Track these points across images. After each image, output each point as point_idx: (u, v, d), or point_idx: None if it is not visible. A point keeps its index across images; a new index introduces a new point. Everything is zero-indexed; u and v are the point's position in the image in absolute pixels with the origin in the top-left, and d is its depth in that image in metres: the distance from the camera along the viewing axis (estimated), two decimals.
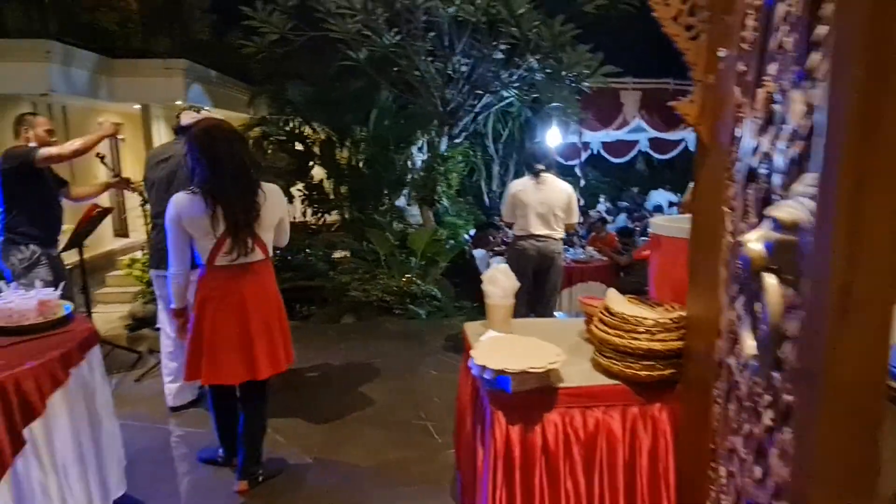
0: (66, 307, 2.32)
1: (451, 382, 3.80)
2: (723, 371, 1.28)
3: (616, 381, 1.67)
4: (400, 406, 3.41)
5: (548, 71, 7.18)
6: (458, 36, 7.41)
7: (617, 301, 1.75)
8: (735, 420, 1.14)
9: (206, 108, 9.35)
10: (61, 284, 2.40)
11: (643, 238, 7.88)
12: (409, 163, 8.80)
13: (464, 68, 7.77)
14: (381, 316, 6.33)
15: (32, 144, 3.30)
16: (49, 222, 3.40)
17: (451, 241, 8.07)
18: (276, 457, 2.80)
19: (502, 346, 1.72)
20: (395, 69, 7.69)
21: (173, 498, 2.54)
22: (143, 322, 6.73)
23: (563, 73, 6.86)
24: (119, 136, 3.50)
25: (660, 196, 12.48)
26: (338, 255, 7.91)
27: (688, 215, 2.15)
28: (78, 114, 7.88)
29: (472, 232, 9.32)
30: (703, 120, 1.40)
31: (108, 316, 6.50)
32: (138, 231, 8.94)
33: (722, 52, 1.29)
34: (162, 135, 9.08)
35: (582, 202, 10.40)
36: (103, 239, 7.95)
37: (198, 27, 8.86)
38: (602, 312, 1.72)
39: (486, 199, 11.86)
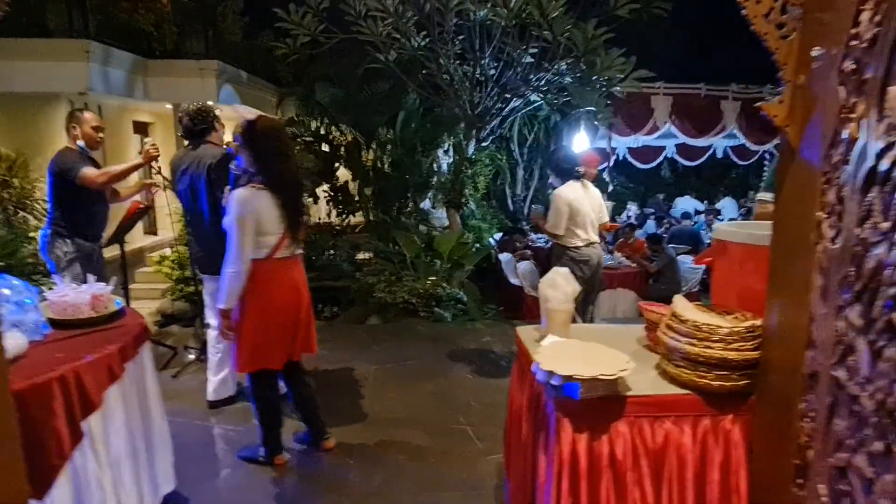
0: (117, 302, 2.34)
1: (487, 387, 3.78)
2: (819, 384, 1.22)
3: (686, 391, 1.62)
4: (438, 410, 3.38)
5: (578, 75, 7.13)
6: (487, 39, 7.40)
7: (686, 308, 1.70)
8: (852, 436, 1.08)
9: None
10: (112, 279, 2.41)
11: (671, 245, 7.76)
12: (434, 165, 8.80)
13: (492, 71, 7.76)
14: (406, 318, 6.32)
15: (80, 143, 3.40)
16: (93, 220, 3.48)
17: (477, 245, 8.04)
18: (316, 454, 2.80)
19: (567, 352, 1.68)
20: (424, 72, 7.71)
21: (218, 495, 2.54)
22: (171, 318, 6.80)
23: (595, 77, 6.80)
24: (157, 163, 3.51)
25: (686, 203, 12.31)
26: (361, 256, 7.92)
27: (758, 222, 2.10)
28: (113, 112, 8.01)
29: (498, 236, 9.29)
30: (791, 121, 1.35)
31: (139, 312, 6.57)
32: (166, 229, 9.05)
33: (816, 51, 1.24)
34: None
35: (610, 208, 10.31)
36: (133, 236, 8.04)
37: (230, 29, 8.96)
38: (671, 319, 1.67)
39: (511, 204, 11.81)
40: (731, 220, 10.12)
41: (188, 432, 3.04)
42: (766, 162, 11.82)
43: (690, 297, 1.80)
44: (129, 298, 4.38)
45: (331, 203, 8.24)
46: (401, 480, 2.64)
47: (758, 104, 1.41)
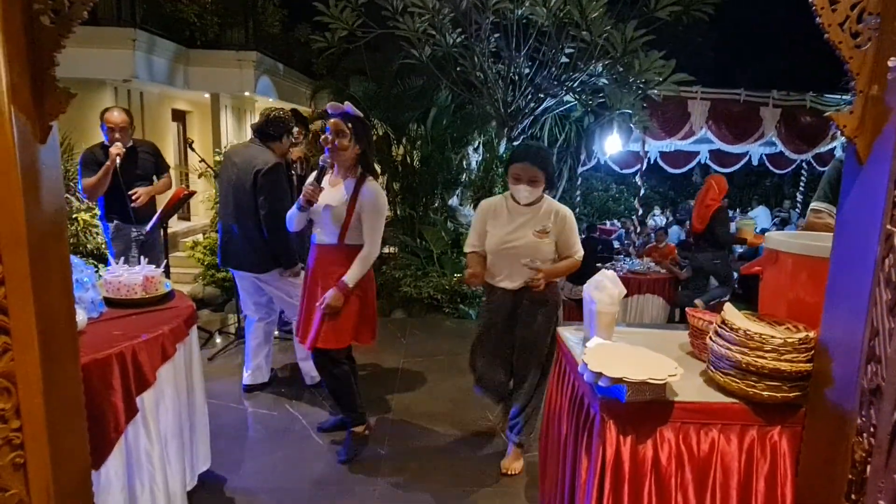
0: (166, 284, 2.40)
1: None
2: (882, 399, 1.21)
3: (734, 400, 1.61)
4: (467, 406, 3.40)
5: (615, 76, 7.07)
6: (523, 38, 7.38)
7: (735, 316, 1.69)
8: None
9: (271, 99, 9.60)
10: (163, 262, 2.48)
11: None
12: (464, 163, 8.80)
13: (526, 71, 7.73)
14: (431, 314, 6.36)
15: (105, 142, 3.71)
16: (124, 203, 3.72)
17: None
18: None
19: (615, 354, 1.68)
20: (457, 69, 7.72)
21: (252, 476, 2.60)
22: (202, 303, 6.94)
23: (632, 79, 6.74)
24: (115, 154, 3.65)
25: None
26: (387, 250, 7.98)
27: (810, 232, 2.07)
28: (153, 100, 8.20)
29: None
30: (861, 132, 1.33)
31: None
32: (199, 215, 9.25)
33: (893, 62, 1.22)
34: (228, 123, 9.34)
35: (640, 211, 10.21)
36: (169, 221, 8.25)
37: (269, 21, 9.09)
38: (721, 327, 1.66)
39: None
40: (763, 229, 9.93)
41: (223, 413, 3.12)
42: (803, 171, 11.56)
43: (720, 306, 1.78)
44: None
45: None
46: (434, 472, 2.67)
47: (827, 114, 1.39)
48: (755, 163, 11.62)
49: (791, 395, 1.56)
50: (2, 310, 1.18)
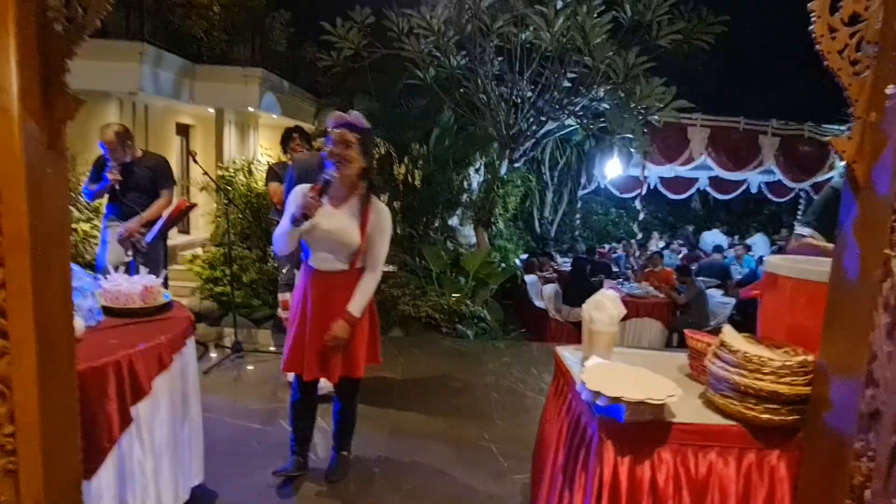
0: (165, 295, 2.40)
1: (512, 406, 3.77)
2: (881, 423, 1.21)
3: (732, 422, 1.60)
4: (463, 425, 3.37)
5: (616, 102, 7.17)
6: (526, 62, 7.49)
7: (734, 338, 1.69)
8: None
9: (275, 115, 9.69)
10: (163, 272, 2.48)
11: (699, 278, 7.67)
12: (465, 183, 8.86)
13: (529, 94, 7.84)
14: (428, 333, 6.34)
15: (106, 155, 3.87)
16: (116, 207, 3.97)
17: (503, 265, 8.04)
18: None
19: (613, 374, 1.67)
20: (461, 90, 7.82)
21: (244, 492, 2.56)
22: (199, 317, 6.92)
23: (633, 104, 6.83)
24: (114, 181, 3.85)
25: (713, 237, 12.19)
26: (386, 268, 7.95)
27: (809, 257, 2.08)
28: (158, 113, 8.27)
29: (523, 257, 9.29)
30: (860, 158, 1.35)
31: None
32: (199, 229, 9.26)
33: (891, 90, 1.25)
34: (232, 139, 9.41)
35: (640, 236, 10.26)
36: (169, 233, 8.25)
37: (276, 39, 9.22)
38: (720, 349, 1.66)
39: (538, 226, 11.82)
40: (761, 257, 9.96)
41: (217, 427, 3.08)
42: (801, 200, 11.65)
43: (718, 332, 1.78)
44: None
45: None
46: (427, 491, 2.64)
47: (827, 139, 1.41)
48: (754, 190, 11.73)
49: (789, 418, 1.55)
50: (1, 313, 1.17)
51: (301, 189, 2.39)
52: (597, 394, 1.56)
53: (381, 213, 2.44)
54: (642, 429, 1.57)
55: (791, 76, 12.02)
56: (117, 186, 3.79)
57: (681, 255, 10.45)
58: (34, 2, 1.20)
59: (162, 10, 7.70)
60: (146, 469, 1.88)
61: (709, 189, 11.96)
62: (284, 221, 2.36)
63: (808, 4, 1.32)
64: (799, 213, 11.83)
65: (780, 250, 10.89)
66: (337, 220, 2.38)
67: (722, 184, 11.18)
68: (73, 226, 6.55)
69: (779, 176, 9.36)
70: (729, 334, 1.71)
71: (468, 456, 3.01)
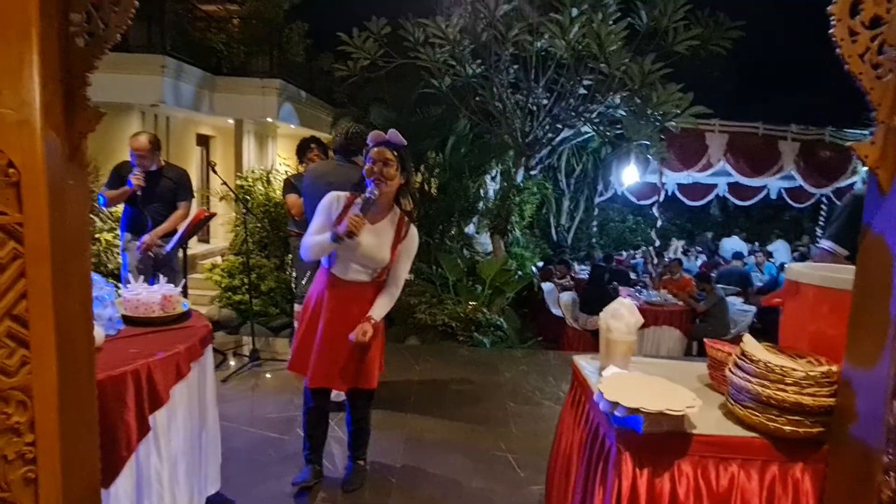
0: (184, 304, 2.43)
1: (527, 415, 3.74)
2: None
3: (754, 434, 1.56)
4: (479, 435, 3.35)
5: (632, 108, 7.12)
6: (542, 70, 7.49)
7: (755, 347, 1.66)
8: None
9: (292, 125, 9.80)
10: (182, 281, 2.51)
11: (719, 285, 7.54)
12: (481, 191, 8.87)
13: (545, 101, 7.83)
14: (445, 341, 6.32)
15: (133, 162, 3.93)
16: (132, 218, 4.02)
17: (519, 273, 8.01)
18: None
19: (631, 384, 1.65)
20: (476, 98, 7.84)
21: (262, 501, 2.57)
22: (217, 325, 7.00)
23: (650, 111, 6.78)
24: (136, 186, 3.89)
25: (732, 243, 12.00)
26: None
27: (830, 264, 2.04)
28: (179, 124, 8.42)
29: (540, 264, 9.24)
30: (882, 164, 1.32)
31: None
32: (218, 238, 9.38)
33: None
34: (251, 149, 9.54)
35: (657, 243, 10.15)
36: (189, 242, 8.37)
37: (294, 50, 9.35)
38: (741, 358, 1.62)
39: (554, 234, 11.76)
40: (782, 264, 9.79)
41: (234, 436, 3.10)
42: (822, 205, 11.43)
43: (738, 340, 1.75)
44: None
45: None
46: (445, 501, 2.62)
47: (849, 144, 1.38)
48: (774, 196, 11.54)
49: (814, 430, 1.51)
50: (22, 322, 1.19)
51: (335, 197, 2.43)
52: (615, 404, 1.54)
53: (413, 236, 2.50)
54: (661, 440, 1.54)
55: (811, 80, 11.86)
56: (139, 193, 3.83)
57: (700, 263, 10.31)
58: (57, 18, 1.23)
59: (183, 23, 7.86)
60: (163, 477, 1.89)
61: (728, 195, 11.80)
62: (318, 230, 2.39)
63: (828, 8, 1.29)
64: (821, 218, 11.61)
65: (802, 257, 10.71)
66: (373, 236, 2.40)
67: (741, 190, 11.02)
68: (97, 235, 6.68)
69: (799, 181, 9.20)
70: (749, 343, 1.68)
71: (484, 466, 2.98)
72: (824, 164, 8.66)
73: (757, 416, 1.55)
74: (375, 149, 2.36)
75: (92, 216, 6.86)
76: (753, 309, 6.91)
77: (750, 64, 12.11)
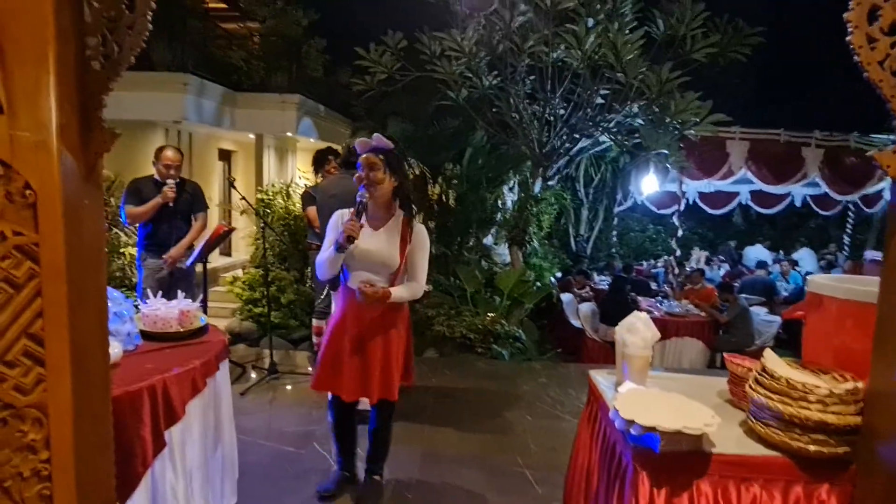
0: (201, 318, 2.45)
1: (545, 429, 3.68)
2: None
3: (777, 453, 1.51)
4: (496, 450, 3.31)
5: (650, 117, 7.06)
6: (558, 80, 7.47)
7: (776, 363, 1.61)
8: None
9: (312, 139, 9.93)
10: (199, 297, 2.54)
11: (742, 295, 7.39)
12: (499, 202, 8.85)
13: (562, 112, 7.80)
14: (463, 353, 6.29)
15: (157, 177, 3.96)
16: (156, 236, 3.98)
17: (538, 284, 7.96)
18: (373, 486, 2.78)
19: (648, 401, 1.61)
20: (493, 110, 7.86)
21: None
22: (239, 337, 7.06)
23: (668, 119, 6.71)
24: (170, 198, 3.91)
25: (756, 252, 11.77)
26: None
27: (853, 276, 1.97)
28: (201, 140, 8.59)
29: (558, 275, 9.17)
30: None
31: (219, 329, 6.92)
32: (240, 251, 9.50)
33: None
34: (271, 163, 9.68)
35: (678, 252, 9.99)
36: (211, 256, 8.49)
37: (312, 65, 9.50)
38: (761, 375, 1.58)
39: (573, 244, 11.68)
40: (808, 273, 9.55)
41: (251, 450, 3.11)
42: (849, 213, 11.17)
43: (762, 352, 1.70)
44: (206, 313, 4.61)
45: None
46: None
47: (870, 153, 1.34)
48: (798, 204, 11.30)
49: (839, 450, 1.45)
50: (38, 341, 1.21)
51: (340, 214, 2.49)
52: (630, 422, 1.50)
53: (420, 233, 2.53)
54: (679, 459, 1.50)
55: (834, 84, 11.63)
56: (171, 204, 3.88)
57: (722, 272, 10.12)
58: (73, 42, 1.26)
59: (205, 42, 8.04)
60: (178, 493, 1.90)
61: (750, 203, 11.59)
62: (327, 247, 2.45)
63: (845, 15, 1.26)
64: (848, 226, 11.32)
65: (829, 265, 10.45)
66: (377, 240, 2.46)
67: (764, 197, 10.82)
68: (121, 250, 6.82)
69: (824, 189, 9.00)
70: (770, 359, 1.63)
71: (501, 481, 2.94)
72: (850, 170, 8.45)
73: (779, 434, 1.50)
74: (363, 156, 2.44)
75: (117, 231, 7.02)
76: (778, 320, 6.75)
77: (771, 70, 11.94)
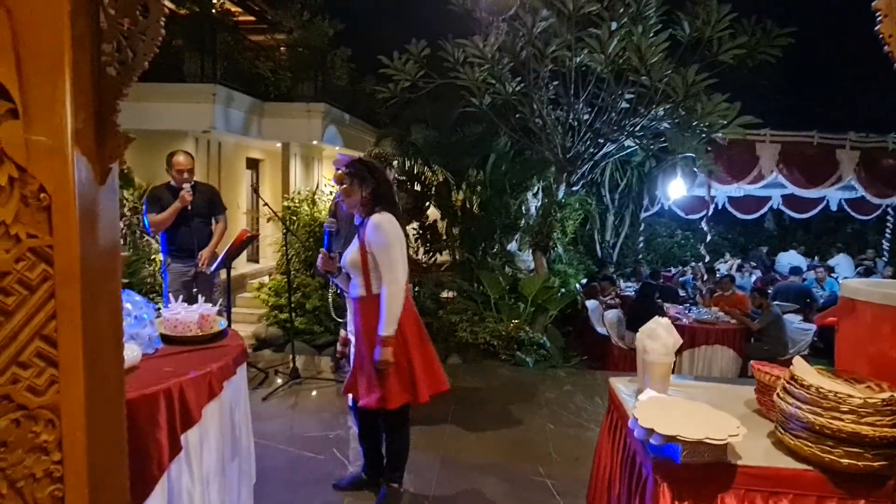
0: (221, 323, 2.47)
1: (568, 438, 3.61)
2: None
3: (807, 466, 1.43)
4: (517, 458, 3.25)
5: (677, 120, 6.93)
6: (582, 85, 7.40)
7: (806, 371, 1.53)
8: None
9: (337, 147, 10.04)
10: (219, 301, 2.56)
11: (776, 302, 7.16)
12: (523, 208, 8.79)
13: (585, 116, 7.72)
14: (487, 360, 6.23)
15: (172, 183, 4.05)
16: (176, 240, 4.05)
17: (562, 290, 7.86)
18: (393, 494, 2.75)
19: (669, 409, 1.55)
20: (516, 115, 7.82)
21: None
22: (265, 343, 7.14)
23: (695, 122, 6.57)
24: (188, 201, 3.96)
25: (790, 258, 11.40)
26: (444, 294, 7.97)
27: (890, 280, 1.88)
28: (229, 149, 8.76)
29: (583, 281, 9.04)
30: None
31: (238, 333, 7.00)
32: (267, 258, 9.63)
33: None
34: (297, 170, 9.81)
35: (707, 258, 9.76)
36: (238, 262, 8.63)
37: (337, 74, 9.62)
38: (790, 383, 1.50)
39: (599, 250, 11.51)
40: (845, 279, 9.22)
41: (271, 455, 3.12)
42: (889, 217, 10.76)
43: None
44: (230, 321, 4.67)
45: (419, 241, 8.43)
46: None
47: None
48: (834, 208, 10.95)
49: (875, 464, 1.37)
50: (51, 342, 1.22)
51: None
52: (650, 431, 1.45)
53: (374, 225, 2.43)
54: (702, 471, 1.44)
55: (869, 84, 11.25)
56: (188, 208, 3.95)
57: (754, 278, 9.84)
58: (89, 48, 1.28)
59: (233, 54, 8.22)
60: (194, 497, 1.91)
61: (783, 207, 11.26)
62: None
63: (873, 3, 1.20)
64: (887, 231, 10.91)
65: (868, 272, 10.07)
66: (352, 248, 2.54)
67: (797, 202, 10.50)
68: (152, 256, 6.98)
69: (861, 192, 8.69)
70: (800, 367, 1.55)
71: (521, 491, 2.89)
72: (888, 172, 8.14)
73: (810, 446, 1.43)
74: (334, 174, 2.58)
75: (149, 238, 7.18)
76: (814, 327, 6.51)
77: (802, 70, 11.61)
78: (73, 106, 1.24)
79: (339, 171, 2.55)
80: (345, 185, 2.50)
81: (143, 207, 4.06)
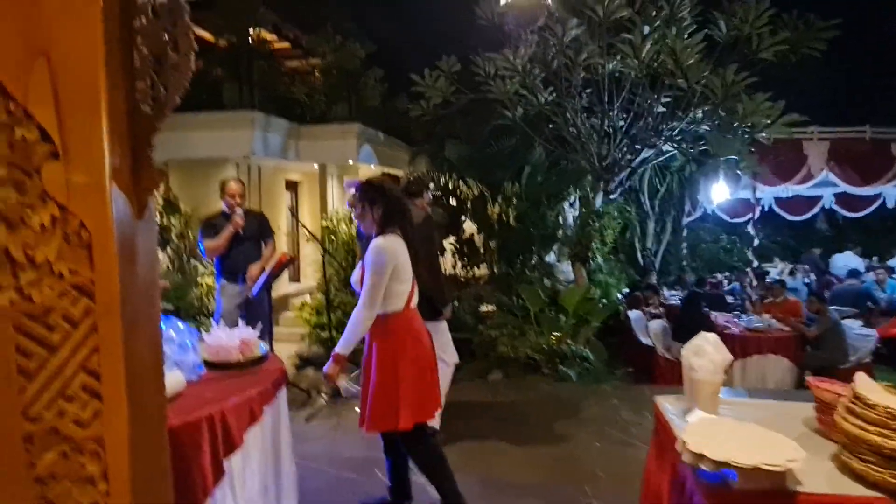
0: (261, 347, 2.50)
1: (615, 456, 3.49)
2: None
3: (878, 494, 1.33)
4: (562, 479, 3.16)
5: (717, 122, 6.72)
6: (616, 91, 7.29)
7: (871, 388, 1.43)
8: None
9: (373, 166, 10.17)
10: (258, 325, 2.60)
11: (833, 307, 6.79)
12: (560, 219, 8.68)
13: (621, 123, 7.59)
14: (529, 375, 6.13)
15: (226, 210, 4.22)
16: (227, 262, 4.25)
17: (604, 301, 7.68)
18: None
19: (719, 432, 1.47)
20: (550, 126, 7.76)
21: None
22: (308, 362, 7.22)
23: (736, 123, 6.37)
24: (240, 225, 4.13)
25: (846, 259, 10.82)
26: (484, 308, 7.91)
27: None
28: (269, 172, 8.99)
29: (626, 291, 8.83)
30: None
31: (278, 355, 7.11)
32: (308, 277, 9.79)
33: None
34: (334, 191, 9.98)
35: (755, 263, 9.38)
36: (280, 283, 8.80)
37: (370, 94, 9.78)
38: (853, 402, 1.40)
39: (640, 258, 11.23)
40: None
41: (312, 476, 3.13)
42: None
43: (859, 370, 1.51)
44: (272, 342, 4.75)
45: (456, 255, 8.42)
46: None
47: None
48: (891, 205, 10.38)
49: None
50: (95, 376, 1.25)
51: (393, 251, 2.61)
52: (700, 456, 1.37)
53: (373, 248, 2.48)
54: (758, 500, 1.35)
55: None
56: (240, 232, 4.12)
57: (808, 283, 9.39)
58: (124, 87, 1.32)
59: (270, 80, 8.47)
60: None
61: (835, 207, 10.76)
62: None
63: None
64: None
65: None
66: (358, 266, 2.66)
67: (851, 200, 10.01)
68: (199, 280, 7.20)
69: None
70: (863, 384, 1.45)
71: None
72: None
73: (879, 471, 1.32)
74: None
75: (196, 262, 7.42)
76: (875, 333, 6.14)
77: (850, 63, 11.12)
78: (110, 144, 1.28)
79: (349, 197, 2.64)
80: (357, 209, 2.58)
81: (199, 234, 4.30)
